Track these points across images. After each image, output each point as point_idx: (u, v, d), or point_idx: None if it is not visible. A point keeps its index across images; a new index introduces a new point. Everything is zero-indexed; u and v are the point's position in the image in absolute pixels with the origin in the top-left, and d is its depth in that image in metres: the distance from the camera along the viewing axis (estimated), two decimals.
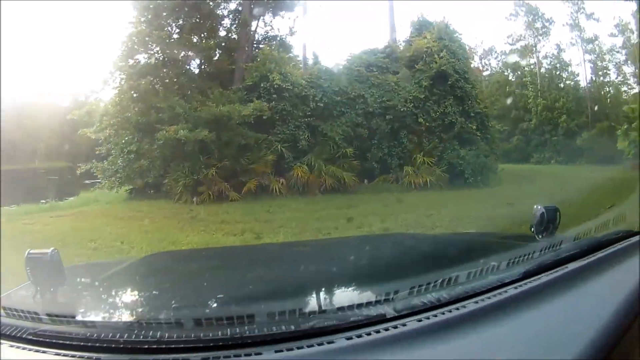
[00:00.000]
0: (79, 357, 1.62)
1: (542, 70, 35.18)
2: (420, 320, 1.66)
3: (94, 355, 1.62)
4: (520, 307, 1.69)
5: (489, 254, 2.62)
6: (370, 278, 2.55)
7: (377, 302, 1.82)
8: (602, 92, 34.66)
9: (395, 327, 1.63)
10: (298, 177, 17.64)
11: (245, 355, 1.57)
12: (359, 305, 1.81)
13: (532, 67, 35.42)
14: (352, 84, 18.95)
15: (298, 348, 1.57)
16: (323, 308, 1.99)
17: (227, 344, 1.62)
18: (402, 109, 18.91)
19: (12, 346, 1.72)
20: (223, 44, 20.29)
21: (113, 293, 2.67)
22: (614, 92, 34.21)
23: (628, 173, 20.94)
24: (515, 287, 1.82)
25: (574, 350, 1.43)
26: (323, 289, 2.47)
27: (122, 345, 1.64)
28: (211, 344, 1.62)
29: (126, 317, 2.09)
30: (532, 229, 2.54)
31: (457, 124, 19.47)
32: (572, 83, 34.41)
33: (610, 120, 31.54)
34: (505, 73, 36.22)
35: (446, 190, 17.65)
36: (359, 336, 1.60)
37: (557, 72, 35.03)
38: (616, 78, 34.22)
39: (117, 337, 1.66)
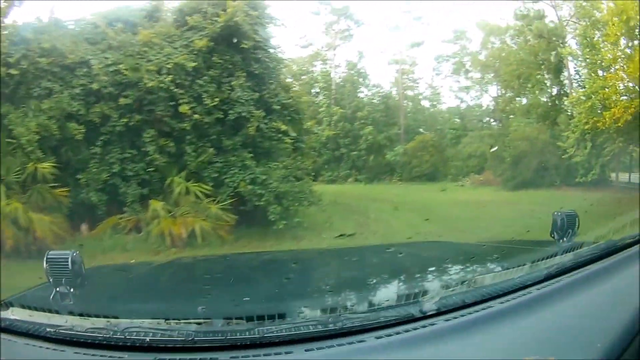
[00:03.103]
0: (101, 356, 1.84)
1: (340, 76, 34.42)
2: (448, 320, 1.87)
3: (117, 354, 1.84)
4: (543, 307, 1.91)
5: (513, 258, 2.89)
6: (398, 281, 3.08)
7: (406, 303, 2.08)
8: (418, 102, 35.02)
9: (424, 326, 1.85)
10: None
11: (275, 354, 1.78)
12: (388, 306, 2.12)
13: (327, 72, 34.32)
14: (77, 44, 14.29)
15: (329, 347, 1.78)
16: (352, 308, 2.26)
17: (256, 343, 1.83)
18: (150, 86, 13.65)
19: (27, 344, 1.95)
20: None
21: (137, 293, 3.10)
22: (435, 103, 34.88)
23: (483, 191, 22.29)
24: (538, 289, 2.03)
25: (595, 347, 1.61)
26: (352, 291, 2.81)
27: (147, 345, 1.83)
28: (240, 343, 1.84)
29: (151, 317, 2.17)
30: (553, 235, 2.80)
31: (251, 120, 14.64)
32: (381, 91, 33.99)
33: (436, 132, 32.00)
34: (289, 79, 32.66)
35: (234, 248, 12.94)
36: (389, 335, 1.81)
37: (362, 79, 34.40)
38: (439, 88, 34.73)
39: (143, 336, 1.85)
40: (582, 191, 19.45)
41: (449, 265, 3.25)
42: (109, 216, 13.66)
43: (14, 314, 2.13)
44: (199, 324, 2.01)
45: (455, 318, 1.85)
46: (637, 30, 17.48)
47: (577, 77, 23.70)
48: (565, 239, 2.73)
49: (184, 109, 13.72)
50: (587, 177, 20.31)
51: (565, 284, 2.02)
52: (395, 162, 29.84)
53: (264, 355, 1.76)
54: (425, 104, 35.16)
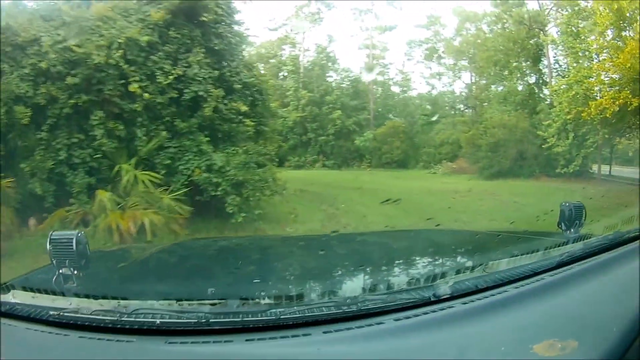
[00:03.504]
0: (107, 340, 1.77)
1: (309, 60, 34.12)
2: (465, 303, 1.89)
3: (126, 337, 1.77)
4: (555, 293, 1.94)
5: (524, 245, 2.96)
6: (413, 266, 3.07)
7: (421, 287, 2.10)
8: (388, 88, 34.70)
9: (442, 309, 1.86)
10: None
11: (293, 336, 1.74)
12: (406, 289, 2.12)
13: (296, 55, 34.09)
14: (32, 21, 12.79)
15: (347, 329, 1.76)
16: (370, 291, 2.22)
17: (273, 325, 1.78)
18: (97, 62, 12.01)
19: (29, 329, 1.88)
20: None
21: (146, 275, 3.07)
22: (405, 89, 34.57)
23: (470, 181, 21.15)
24: (551, 275, 2.07)
25: (613, 333, 1.61)
26: (370, 274, 2.79)
27: (157, 327, 1.78)
28: (256, 325, 1.78)
29: (162, 298, 2.10)
30: (560, 225, 2.84)
31: (209, 100, 13.01)
32: (350, 75, 33.81)
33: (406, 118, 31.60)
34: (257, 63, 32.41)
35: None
36: (407, 317, 1.81)
37: (331, 63, 34.01)
38: (410, 74, 34.51)
39: (152, 318, 1.80)
40: (564, 183, 18.94)
41: (462, 252, 3.36)
42: (58, 208, 12.12)
43: (15, 297, 2.05)
44: (212, 304, 1.93)
45: (472, 302, 1.88)
46: (627, 21, 16.85)
47: (557, 65, 23.56)
48: (572, 230, 2.77)
49: (133, 87, 12.11)
50: (568, 169, 19.90)
51: (577, 271, 2.08)
52: (364, 148, 29.34)
53: (281, 337, 1.72)
54: (396, 89, 34.61)
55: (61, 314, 1.82)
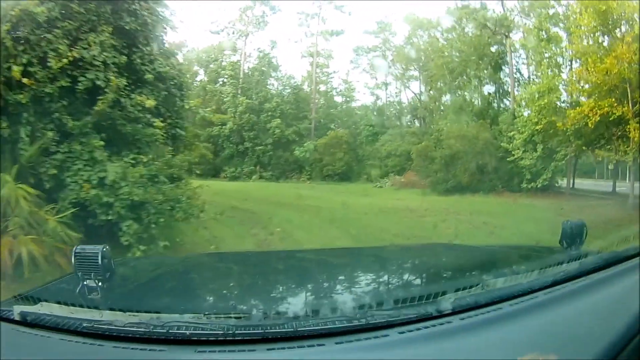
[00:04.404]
0: (141, 349, 1.87)
1: (249, 66, 33.37)
2: (463, 319, 1.98)
3: (158, 347, 1.87)
4: (549, 310, 2.04)
5: (522, 263, 3.11)
6: (417, 281, 3.24)
7: (424, 302, 2.16)
8: (331, 97, 34.10)
9: (441, 324, 1.96)
10: None
11: (309, 346, 1.86)
12: (409, 305, 2.18)
13: (237, 61, 33.44)
14: None
15: (357, 340, 1.88)
16: (378, 306, 2.28)
17: (292, 336, 1.90)
18: None
19: (62, 339, 1.96)
20: None
21: (171, 287, 3.15)
22: (348, 99, 33.98)
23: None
24: (545, 293, 2.16)
25: (594, 347, 1.72)
26: (377, 289, 3.00)
27: (188, 338, 1.89)
28: (276, 336, 1.91)
29: (190, 310, 2.25)
30: (562, 243, 2.93)
31: (108, 92, 9.92)
32: (292, 82, 33.23)
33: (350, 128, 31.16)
34: (196, 67, 33.78)
35: None
36: (410, 331, 1.92)
37: (272, 70, 33.39)
38: (355, 83, 34.40)
39: (184, 330, 1.90)
40: (530, 198, 17.68)
41: (464, 268, 3.39)
42: None
43: (43, 308, 2.10)
44: (237, 317, 2.10)
45: (469, 317, 1.98)
46: (611, 24, 15.72)
47: (519, 74, 22.74)
48: (573, 247, 2.84)
49: (14, 71, 9.15)
50: (536, 183, 18.74)
51: (570, 290, 2.16)
52: (304, 159, 28.43)
53: (298, 347, 1.85)
54: (339, 99, 33.95)
55: (95, 325, 1.91)
